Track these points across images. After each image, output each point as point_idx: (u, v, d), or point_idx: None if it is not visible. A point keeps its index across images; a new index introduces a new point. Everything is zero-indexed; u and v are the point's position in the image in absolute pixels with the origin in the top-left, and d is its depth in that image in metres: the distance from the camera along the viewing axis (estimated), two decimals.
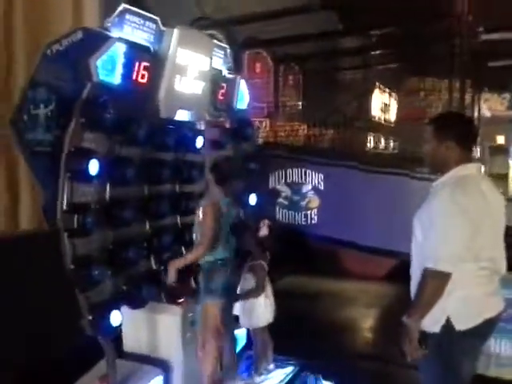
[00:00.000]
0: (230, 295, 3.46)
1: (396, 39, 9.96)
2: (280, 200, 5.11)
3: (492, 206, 2.46)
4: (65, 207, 2.68)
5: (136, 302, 3.21)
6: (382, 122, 10.52)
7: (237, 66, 6.85)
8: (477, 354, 2.56)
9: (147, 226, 3.51)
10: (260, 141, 5.95)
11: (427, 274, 2.34)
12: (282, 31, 7.76)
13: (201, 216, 3.28)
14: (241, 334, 4.11)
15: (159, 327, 3.49)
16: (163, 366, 3.36)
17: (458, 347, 2.39)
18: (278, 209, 5.13)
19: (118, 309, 3.02)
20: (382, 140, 9.94)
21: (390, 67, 10.70)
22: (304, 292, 7.07)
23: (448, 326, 2.36)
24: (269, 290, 3.86)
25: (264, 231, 3.84)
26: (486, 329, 2.44)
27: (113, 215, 3.07)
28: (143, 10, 5.52)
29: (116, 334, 3.00)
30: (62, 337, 3.04)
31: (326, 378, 4.03)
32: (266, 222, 3.91)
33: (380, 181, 4.09)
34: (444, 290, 2.34)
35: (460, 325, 2.35)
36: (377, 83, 9.74)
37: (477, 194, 2.39)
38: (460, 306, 2.37)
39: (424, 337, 2.39)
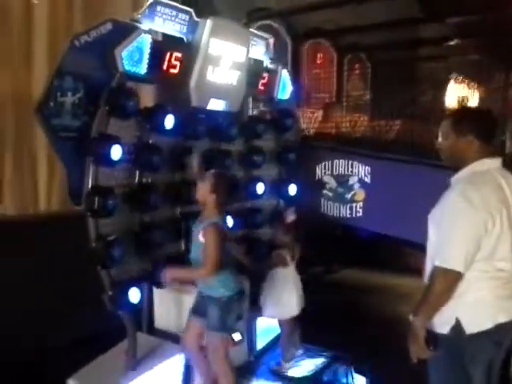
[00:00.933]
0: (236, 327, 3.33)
1: (480, 27, 9.30)
2: (325, 191, 5.05)
3: None
4: (88, 189, 2.89)
5: (159, 282, 3.35)
6: None
7: (296, 57, 6.85)
8: (493, 361, 2.38)
9: (178, 211, 3.65)
10: (311, 132, 5.92)
11: (435, 272, 2.25)
12: (350, 20, 7.59)
13: (201, 238, 3.02)
14: (273, 323, 4.15)
15: (185, 307, 3.64)
16: None
17: (468, 352, 2.27)
18: (322, 200, 5.07)
19: (140, 287, 3.19)
20: None
21: (472, 58, 9.99)
22: (359, 285, 6.99)
23: (457, 328, 2.25)
24: (297, 281, 3.87)
25: (290, 218, 3.90)
26: (500, 335, 2.27)
27: (139, 199, 3.23)
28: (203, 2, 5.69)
29: (135, 310, 3.15)
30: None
31: (358, 372, 3.97)
32: (292, 209, 3.99)
33: (435, 176, 3.84)
34: (452, 289, 2.24)
35: (470, 328, 2.23)
36: (453, 74, 9.15)
37: (492, 190, 2.25)
38: (471, 308, 2.25)
39: (433, 337, 2.29)
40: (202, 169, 3.36)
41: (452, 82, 9.36)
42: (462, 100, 10.17)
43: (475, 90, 10.57)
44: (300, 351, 4.06)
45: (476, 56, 9.89)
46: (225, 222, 3.22)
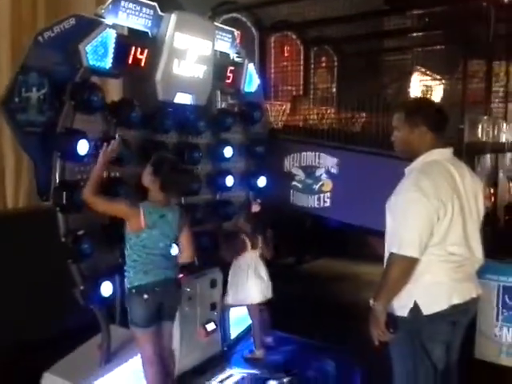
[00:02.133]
0: (163, 318, 3.05)
1: (442, 19, 9.54)
2: (294, 183, 5.14)
3: (464, 190, 2.41)
4: (56, 184, 2.89)
5: None
6: None
7: (263, 50, 6.89)
8: (451, 341, 2.50)
9: None
10: (280, 124, 6.00)
11: (391, 259, 2.35)
12: (317, 13, 7.68)
13: None
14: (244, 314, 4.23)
15: None
16: None
17: (426, 332, 2.38)
18: (292, 192, 5.16)
19: (112, 280, 3.21)
20: None
21: (435, 49, 10.24)
22: (329, 275, 7.16)
23: (415, 310, 2.35)
24: (262, 269, 3.96)
25: (255, 208, 4.05)
26: (456, 315, 2.40)
27: (108, 193, 3.23)
28: None
29: (108, 303, 3.17)
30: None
31: (327, 357, 4.08)
32: (258, 200, 4.16)
33: (399, 167, 3.96)
34: (409, 274, 2.34)
35: (426, 309, 2.34)
36: (417, 66, 9.37)
37: (444, 179, 2.35)
38: (426, 291, 2.36)
39: (393, 320, 2.39)
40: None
41: (416, 73, 9.62)
42: (426, 91, 10.46)
43: (438, 82, 10.87)
44: (270, 339, 4.15)
45: (439, 47, 10.18)
46: (155, 211, 2.94)
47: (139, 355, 3.09)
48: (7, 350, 3.75)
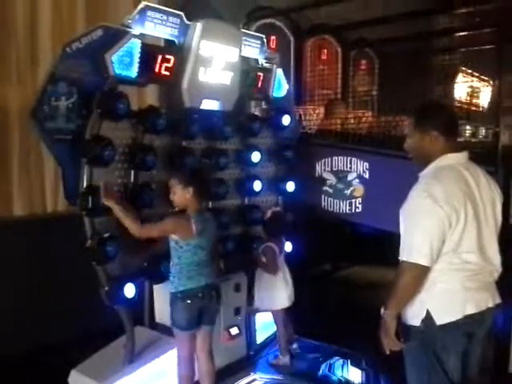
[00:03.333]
0: (203, 323, 3.23)
1: (490, 17, 9.16)
2: (325, 188, 5.10)
3: (480, 196, 2.33)
4: (83, 189, 3.02)
5: (155, 278, 3.47)
6: (471, 107, 9.80)
7: (300, 54, 6.88)
8: (467, 352, 2.41)
9: (172, 210, 3.75)
10: (313, 129, 5.95)
11: (401, 267, 2.31)
12: (356, 15, 7.58)
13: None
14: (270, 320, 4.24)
15: None
16: None
17: (440, 342, 2.32)
18: (323, 197, 5.12)
19: (138, 282, 3.31)
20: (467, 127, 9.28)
21: (483, 49, 9.85)
22: (365, 281, 7.02)
23: (428, 319, 2.30)
24: (287, 274, 3.96)
25: (267, 215, 4.12)
26: (471, 325, 2.32)
27: (134, 198, 3.34)
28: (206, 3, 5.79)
29: (132, 304, 3.26)
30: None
31: (354, 365, 4.02)
32: (273, 208, 4.22)
33: None
34: (419, 282, 2.29)
35: (440, 319, 2.28)
36: (461, 67, 9.05)
37: (457, 185, 2.28)
38: (440, 300, 2.30)
39: (405, 330, 2.35)
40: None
41: (461, 75, 9.29)
42: (472, 93, 10.09)
43: (487, 83, 10.45)
44: (295, 344, 4.14)
45: (488, 47, 9.78)
46: (200, 218, 3.14)
47: (174, 354, 3.29)
48: (39, 348, 3.94)
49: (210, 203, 3.94)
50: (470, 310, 2.28)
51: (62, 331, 4.15)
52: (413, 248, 2.25)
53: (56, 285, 4.28)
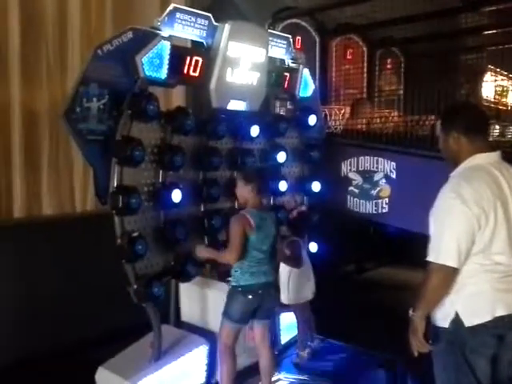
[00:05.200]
0: (256, 318, 3.31)
1: None
2: (351, 188, 5.07)
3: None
4: (113, 189, 3.07)
5: (182, 277, 3.51)
6: (499, 106, 9.61)
7: (325, 54, 6.85)
8: (497, 356, 2.36)
9: (201, 209, 3.80)
10: (339, 128, 5.92)
11: (430, 268, 2.28)
12: (381, 14, 7.51)
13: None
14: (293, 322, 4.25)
15: (209, 301, 3.81)
16: (209, 337, 3.65)
17: (469, 344, 2.28)
18: (348, 197, 5.10)
19: (165, 281, 3.36)
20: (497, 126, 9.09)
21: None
22: (393, 283, 6.96)
23: (457, 321, 2.27)
24: (308, 268, 3.99)
25: (293, 214, 4.18)
26: (502, 328, 2.27)
27: (164, 197, 3.39)
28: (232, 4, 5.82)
29: (160, 302, 3.30)
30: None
31: (381, 367, 4.00)
32: (299, 208, 4.27)
33: None
34: (448, 284, 2.26)
35: (469, 321, 2.25)
36: (491, 66, 8.89)
37: (486, 185, 2.25)
38: (469, 301, 2.26)
39: (434, 331, 2.33)
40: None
41: (490, 73, 9.11)
42: (502, 92, 9.89)
43: None
44: (316, 342, 4.16)
45: None
46: (258, 214, 3.21)
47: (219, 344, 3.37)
48: (67, 345, 4.04)
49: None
50: (500, 311, 2.23)
51: (89, 329, 4.24)
52: (441, 249, 2.23)
53: (84, 284, 4.37)
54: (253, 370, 3.79)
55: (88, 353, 3.89)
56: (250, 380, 3.69)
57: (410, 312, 2.34)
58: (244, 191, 3.26)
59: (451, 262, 2.20)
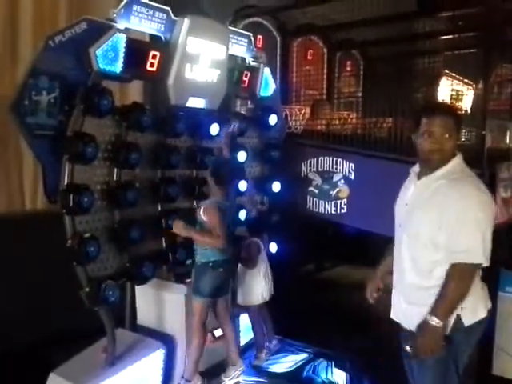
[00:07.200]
0: (222, 293, 3.61)
1: (474, 21, 9.21)
2: (311, 188, 5.06)
3: None
4: (64, 187, 2.92)
5: (137, 279, 3.39)
6: None
7: (286, 54, 6.83)
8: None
9: (158, 209, 3.68)
10: (299, 129, 5.92)
11: (461, 270, 2.19)
12: (342, 16, 7.56)
13: (203, 216, 3.39)
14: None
15: (166, 304, 3.70)
16: (166, 341, 3.55)
17: (463, 346, 2.31)
18: (308, 197, 5.09)
19: (120, 284, 3.23)
20: None
21: (467, 53, 9.89)
22: (349, 282, 7.02)
23: (457, 323, 2.26)
24: (264, 268, 3.95)
25: (252, 214, 4.23)
26: (486, 323, 2.35)
27: (118, 196, 3.26)
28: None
29: (113, 306, 3.17)
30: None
31: (339, 367, 4.00)
32: (258, 207, 4.32)
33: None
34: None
35: (468, 320, 2.26)
36: (447, 71, 9.10)
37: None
38: (468, 301, 2.25)
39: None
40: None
41: (446, 78, 9.35)
42: (457, 96, 10.17)
43: (470, 86, 10.55)
44: (275, 341, 4.13)
45: (471, 50, 9.86)
46: (226, 202, 3.56)
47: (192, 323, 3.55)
48: (18, 349, 3.82)
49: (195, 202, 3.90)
50: (489, 304, 2.34)
51: (38, 331, 4.03)
52: (477, 248, 2.17)
53: (34, 284, 4.16)
54: (211, 372, 3.75)
55: (37, 357, 3.70)
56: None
57: (429, 317, 2.21)
58: (210, 183, 3.55)
59: (481, 260, 2.18)
